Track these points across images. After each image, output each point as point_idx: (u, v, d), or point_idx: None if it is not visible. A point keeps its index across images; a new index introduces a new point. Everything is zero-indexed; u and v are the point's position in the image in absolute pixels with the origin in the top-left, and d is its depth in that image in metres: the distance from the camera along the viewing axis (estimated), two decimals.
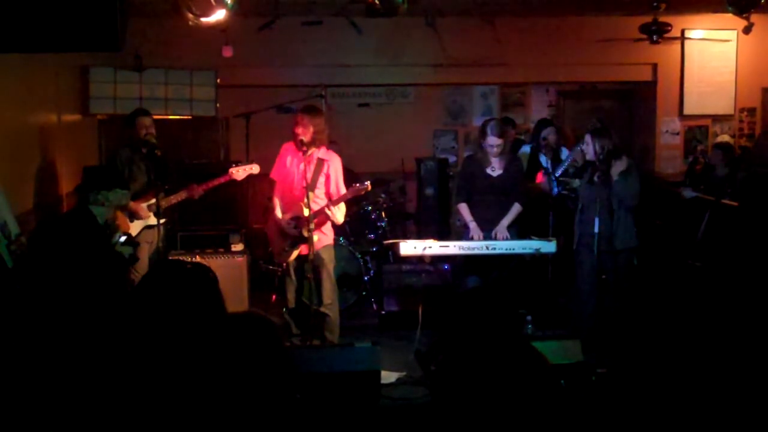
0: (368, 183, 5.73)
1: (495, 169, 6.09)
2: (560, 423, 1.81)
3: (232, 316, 2.35)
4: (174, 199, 6.15)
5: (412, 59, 8.59)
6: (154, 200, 6.05)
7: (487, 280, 5.95)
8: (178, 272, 2.54)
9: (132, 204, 6.00)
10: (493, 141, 5.96)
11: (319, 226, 5.77)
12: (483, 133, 6.05)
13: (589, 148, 5.78)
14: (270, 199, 6.18)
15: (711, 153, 7.80)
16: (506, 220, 6.04)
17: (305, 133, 5.68)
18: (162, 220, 6.07)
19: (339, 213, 5.81)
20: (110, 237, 5.31)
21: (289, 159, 5.87)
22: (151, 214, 6.09)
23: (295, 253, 5.83)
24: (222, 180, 6.20)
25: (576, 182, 6.16)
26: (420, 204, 8.69)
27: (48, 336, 3.68)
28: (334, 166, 5.86)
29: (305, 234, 5.58)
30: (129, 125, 6.26)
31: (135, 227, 6.06)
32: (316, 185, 5.76)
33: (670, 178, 8.78)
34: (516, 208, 6.08)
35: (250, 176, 6.98)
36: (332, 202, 5.76)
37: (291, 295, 6.00)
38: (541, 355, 1.91)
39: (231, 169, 6.20)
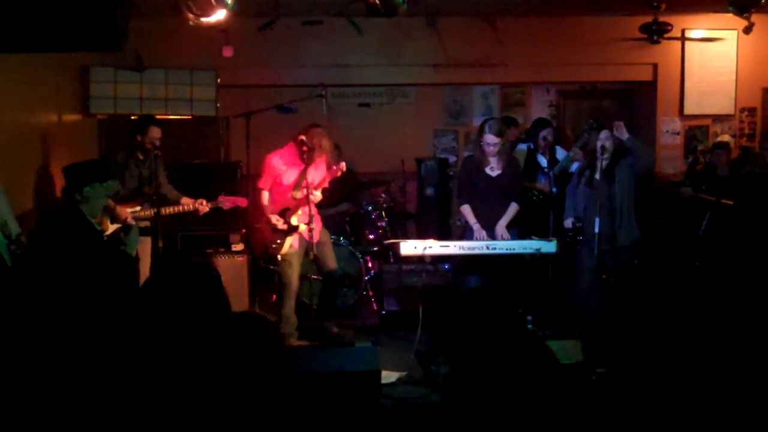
0: (343, 163, 6.03)
1: (494, 169, 6.10)
2: (568, 422, 1.81)
3: (232, 316, 2.35)
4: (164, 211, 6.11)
5: (412, 59, 8.58)
6: (138, 208, 6.03)
7: (488, 281, 5.95)
8: (181, 272, 2.54)
9: (118, 208, 5.99)
10: (490, 140, 5.95)
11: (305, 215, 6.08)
12: (481, 131, 6.05)
13: (608, 142, 5.79)
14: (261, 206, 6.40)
15: (713, 153, 7.79)
16: (504, 220, 6.05)
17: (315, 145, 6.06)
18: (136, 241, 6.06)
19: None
20: (103, 234, 5.30)
21: (282, 168, 6.14)
22: (131, 218, 6.04)
23: (286, 245, 6.11)
24: (210, 205, 6.27)
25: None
26: (420, 204, 8.68)
27: (49, 336, 3.68)
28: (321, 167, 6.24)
29: (293, 223, 6.03)
30: (140, 131, 6.22)
31: (111, 229, 6.04)
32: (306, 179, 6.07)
33: (671, 177, 8.77)
34: (513, 208, 6.09)
35: (251, 176, 6.99)
36: (313, 187, 6.04)
37: (295, 278, 6.21)
38: (553, 354, 1.91)
39: (220, 197, 6.31)
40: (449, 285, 6.55)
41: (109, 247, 5.23)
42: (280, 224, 6.10)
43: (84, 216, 4.88)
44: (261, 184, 6.26)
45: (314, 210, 6.06)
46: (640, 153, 5.82)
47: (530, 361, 1.85)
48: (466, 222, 6.17)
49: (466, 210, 6.12)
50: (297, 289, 6.26)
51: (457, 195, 6.40)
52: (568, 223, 5.99)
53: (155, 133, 6.22)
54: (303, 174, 6.01)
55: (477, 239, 5.96)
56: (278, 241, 6.11)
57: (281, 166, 6.17)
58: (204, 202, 6.24)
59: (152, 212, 5.95)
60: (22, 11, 3.47)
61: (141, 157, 6.21)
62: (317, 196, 6.05)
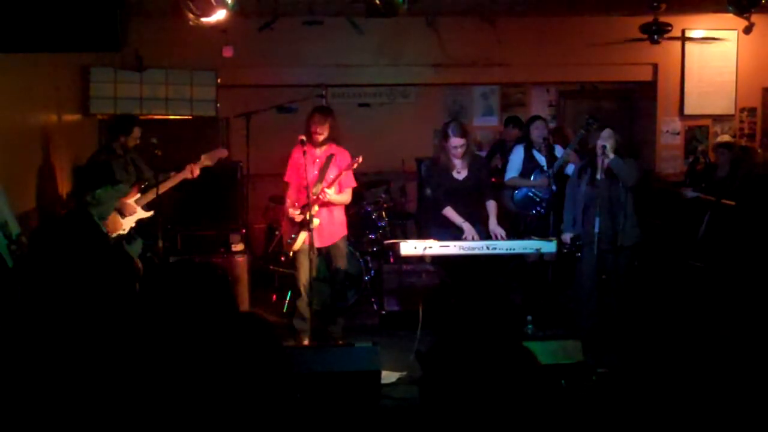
0: (359, 157, 5.93)
1: (460, 171, 6.05)
2: (552, 423, 1.80)
3: (235, 316, 2.35)
4: (161, 188, 6.11)
5: (412, 59, 8.59)
6: (138, 195, 6.09)
7: (489, 282, 5.93)
8: (188, 272, 2.55)
9: (123, 202, 6.03)
10: (456, 142, 5.92)
11: (330, 218, 6.03)
12: (445, 135, 6.01)
13: (611, 141, 5.75)
14: (273, 199, 6.41)
15: (716, 152, 7.79)
16: (493, 219, 6.01)
17: (322, 131, 5.97)
18: (149, 213, 6.14)
19: (343, 195, 6.11)
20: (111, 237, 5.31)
21: (300, 158, 5.98)
22: (138, 208, 6.13)
23: (300, 241, 5.98)
24: (196, 166, 6.21)
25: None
26: (420, 204, 8.68)
27: (50, 337, 3.68)
28: (344, 160, 6.06)
29: (307, 217, 5.77)
30: (124, 131, 6.26)
31: (127, 223, 6.09)
32: (326, 177, 5.96)
33: (671, 178, 8.77)
34: (493, 205, 6.07)
35: (250, 177, 6.98)
36: (327, 184, 5.96)
37: (305, 275, 6.02)
38: (531, 354, 1.90)
39: (202, 156, 6.28)
40: (446, 283, 6.50)
41: (115, 252, 5.24)
42: (297, 215, 6.01)
43: (93, 219, 4.88)
44: (286, 177, 6.21)
45: (330, 208, 6.06)
46: (622, 174, 5.74)
47: (501, 362, 1.85)
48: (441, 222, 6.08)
49: (450, 212, 6.02)
50: (308, 287, 6.08)
51: (435, 201, 6.16)
52: (566, 237, 5.95)
53: (137, 132, 6.33)
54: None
55: (466, 238, 5.91)
56: (293, 235, 6.05)
57: (298, 158, 6.06)
58: (192, 167, 6.20)
59: (154, 192, 6.05)
60: (22, 11, 3.47)
61: (120, 153, 6.25)
62: (328, 194, 5.92)
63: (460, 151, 5.94)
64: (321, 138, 5.98)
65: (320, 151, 6.06)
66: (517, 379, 1.80)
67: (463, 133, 5.95)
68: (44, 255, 4.50)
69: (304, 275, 6.04)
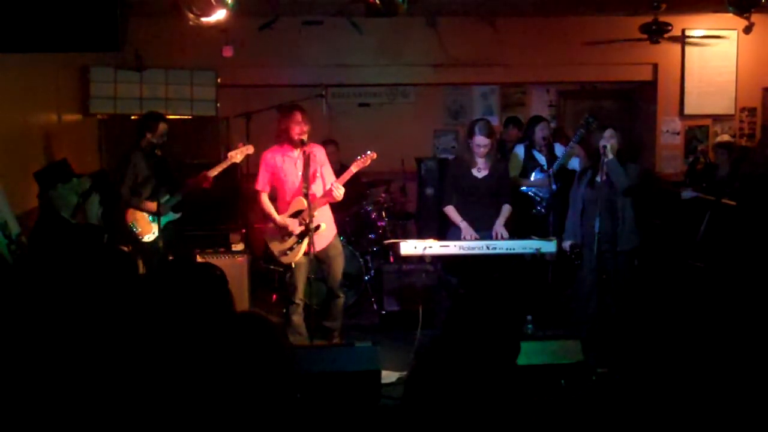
0: (372, 152, 5.75)
1: (481, 170, 6.05)
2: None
3: (234, 315, 2.35)
4: (186, 189, 6.22)
5: (412, 59, 8.59)
6: (168, 196, 6.10)
7: (470, 281, 5.92)
8: (186, 271, 2.55)
9: (148, 204, 6.08)
10: (480, 141, 5.92)
11: (323, 218, 5.84)
12: (471, 132, 6.01)
13: (613, 141, 5.73)
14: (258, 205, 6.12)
15: (716, 152, 7.78)
16: (501, 220, 6.01)
17: (304, 131, 5.74)
18: (177, 215, 6.22)
19: (340, 190, 5.83)
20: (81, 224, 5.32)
21: (278, 162, 5.83)
22: (169, 210, 6.20)
23: (302, 250, 5.79)
24: (224, 165, 6.19)
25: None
26: (420, 204, 8.69)
27: (50, 335, 3.68)
28: (321, 154, 5.94)
29: (312, 225, 5.57)
30: (150, 129, 6.24)
31: (153, 228, 6.15)
32: (315, 177, 5.80)
33: (671, 177, 8.77)
34: (506, 209, 6.05)
35: (250, 176, 6.94)
36: (338, 179, 5.78)
37: (302, 288, 5.89)
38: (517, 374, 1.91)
39: (230, 153, 6.22)
40: (443, 283, 6.49)
41: (92, 243, 5.22)
42: (297, 228, 5.77)
43: (58, 215, 4.88)
44: (257, 185, 5.91)
45: (328, 213, 5.92)
46: (614, 177, 5.69)
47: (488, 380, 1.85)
48: (451, 222, 6.09)
49: (451, 210, 6.05)
50: (303, 301, 5.92)
51: (441, 197, 6.25)
52: (566, 246, 5.94)
53: (163, 128, 6.27)
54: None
55: (465, 238, 5.91)
56: (293, 247, 5.80)
57: (274, 162, 5.84)
58: (207, 173, 6.17)
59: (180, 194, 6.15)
60: (22, 11, 3.47)
61: (147, 150, 6.22)
62: (340, 191, 5.70)
63: (483, 150, 5.93)
64: (305, 137, 5.71)
65: (296, 152, 5.80)
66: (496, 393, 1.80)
67: (489, 133, 5.93)
68: (30, 258, 4.51)
69: (301, 288, 5.88)
